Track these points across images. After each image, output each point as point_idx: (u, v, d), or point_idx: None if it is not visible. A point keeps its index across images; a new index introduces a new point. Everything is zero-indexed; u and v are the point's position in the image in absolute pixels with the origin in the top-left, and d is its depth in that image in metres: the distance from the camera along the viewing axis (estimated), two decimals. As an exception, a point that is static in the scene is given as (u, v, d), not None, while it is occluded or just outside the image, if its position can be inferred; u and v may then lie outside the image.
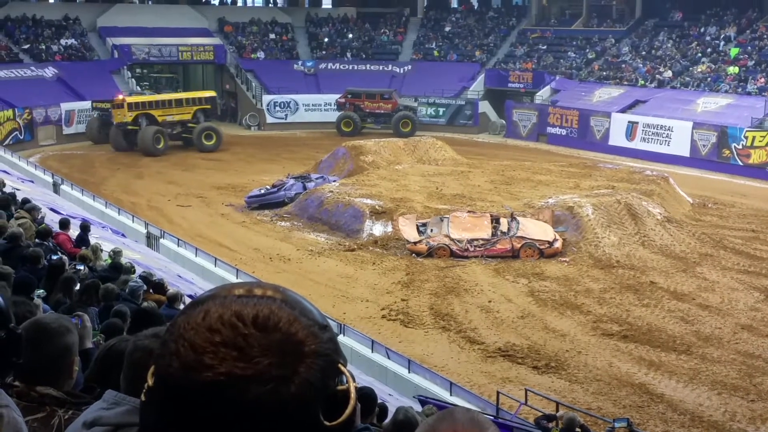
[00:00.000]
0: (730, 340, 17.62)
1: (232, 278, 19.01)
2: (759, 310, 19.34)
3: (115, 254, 12.09)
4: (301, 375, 1.15)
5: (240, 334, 1.14)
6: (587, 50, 50.42)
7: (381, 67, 52.35)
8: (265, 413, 1.12)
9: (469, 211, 24.96)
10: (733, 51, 43.99)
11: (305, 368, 1.15)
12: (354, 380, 1.23)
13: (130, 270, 11.37)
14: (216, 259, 21.16)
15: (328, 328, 1.23)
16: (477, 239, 23.58)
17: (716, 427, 13.91)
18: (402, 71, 52.16)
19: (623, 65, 47.41)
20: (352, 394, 1.21)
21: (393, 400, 13.02)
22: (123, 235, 20.98)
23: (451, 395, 14.29)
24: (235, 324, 1.15)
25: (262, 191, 30.01)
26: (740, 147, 36.80)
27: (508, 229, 23.87)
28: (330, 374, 1.19)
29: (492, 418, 12.71)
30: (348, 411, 1.20)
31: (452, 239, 23.63)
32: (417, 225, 24.51)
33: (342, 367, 1.22)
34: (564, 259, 23.13)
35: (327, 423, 1.17)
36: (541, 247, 23.34)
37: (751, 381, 15.57)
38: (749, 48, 43.85)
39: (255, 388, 1.12)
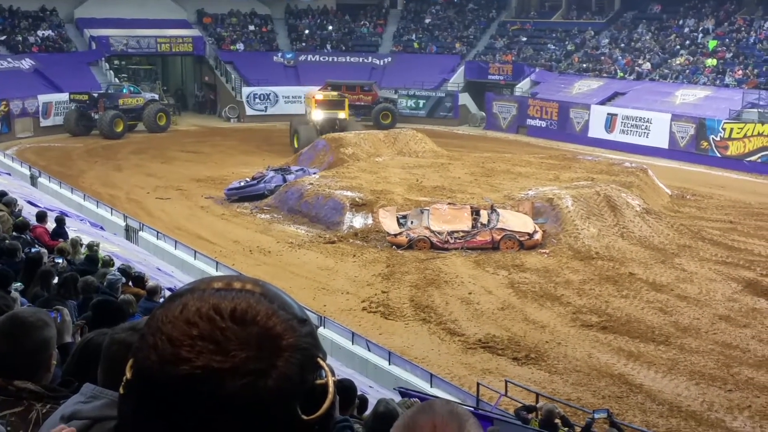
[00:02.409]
0: (708, 330, 17.77)
1: (212, 271, 18.95)
2: (736, 300, 19.51)
3: (94, 247, 11.99)
4: (279, 369, 1.15)
5: (217, 327, 1.14)
6: (567, 42, 50.57)
7: (361, 59, 52.27)
8: (242, 406, 1.12)
9: (449, 203, 24.99)
10: (711, 43, 44.29)
11: (283, 362, 1.15)
12: (333, 374, 1.23)
13: (109, 263, 11.29)
14: (196, 251, 21.06)
15: (307, 322, 1.23)
16: (457, 231, 23.63)
17: (694, 417, 14.03)
18: (382, 63, 52.10)
19: (602, 57, 47.61)
20: (331, 388, 1.21)
21: (373, 392, 13.03)
22: (102, 228, 20.83)
23: (431, 387, 14.32)
24: (213, 317, 1.15)
25: (242, 183, 29.91)
26: (718, 139, 37.09)
27: (488, 221, 23.93)
28: (308, 368, 1.19)
29: (472, 409, 12.76)
30: (326, 405, 1.20)
31: (432, 231, 23.66)
32: (397, 217, 24.52)
33: (321, 361, 1.22)
34: (544, 250, 23.22)
35: (305, 417, 1.17)
36: (521, 238, 23.42)
37: (728, 371, 15.71)
38: (727, 40, 44.16)
39: (232, 382, 1.12)
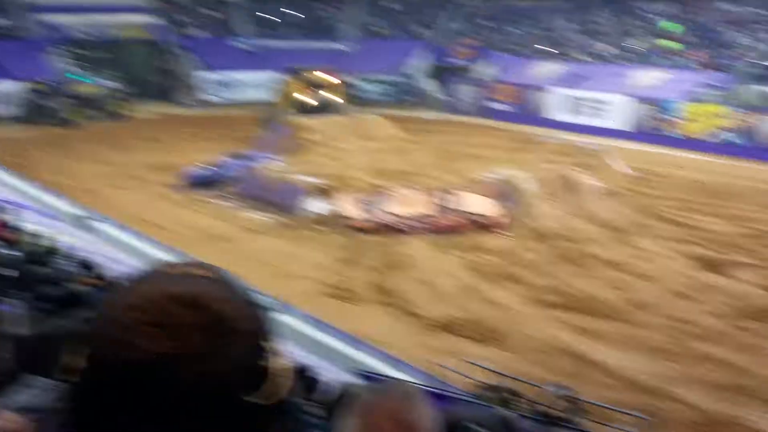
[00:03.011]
0: (663, 306, 18.10)
1: (171, 259, 18.77)
2: (690, 276, 19.88)
3: (47, 238, 11.87)
4: (231, 354, 1.16)
5: (169, 313, 1.16)
6: (528, 26, 50.78)
7: (322, 44, 52.00)
8: (194, 391, 1.14)
9: (411, 188, 25.05)
10: (670, 26, 44.77)
11: (235, 347, 1.17)
12: (285, 358, 1.25)
13: (64, 253, 11.18)
14: (154, 240, 20.90)
15: (259, 307, 1.25)
16: (419, 215, 23.71)
17: (649, 390, 14.29)
18: (344, 48, 51.89)
19: (563, 40, 47.90)
20: (282, 372, 1.23)
21: (334, 376, 13.10)
22: (57, 218, 20.58)
23: (392, 370, 14.40)
24: (165, 303, 1.17)
25: (202, 171, 29.67)
26: (676, 120, 37.57)
27: (450, 204, 24.05)
28: (259, 353, 1.21)
29: (432, 390, 12.88)
30: (279, 389, 1.22)
31: (394, 215, 23.72)
32: (359, 202, 24.53)
33: (273, 346, 1.24)
34: (505, 232, 23.41)
35: (258, 401, 1.19)
36: (483, 221, 23.58)
37: (682, 345, 16.03)
38: (686, 23, 44.64)
39: (185, 367, 1.13)
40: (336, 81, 35.72)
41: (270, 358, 1.22)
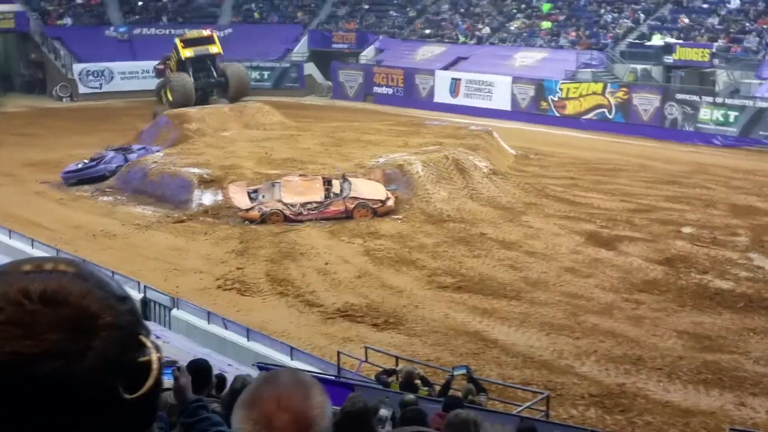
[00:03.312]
0: (555, 283, 18.50)
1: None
2: (580, 252, 20.40)
3: None
4: (96, 349, 1.12)
5: (26, 311, 1.11)
6: (408, 9, 51.05)
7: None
8: (59, 390, 1.09)
9: (300, 175, 24.73)
10: (546, 6, 45.85)
11: (100, 342, 1.12)
12: (159, 351, 1.20)
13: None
14: (33, 239, 19.93)
15: (127, 300, 1.20)
16: (310, 202, 23.44)
17: (546, 365, 14.57)
18: (223, 35, 50.68)
19: (444, 23, 48.37)
20: (155, 365, 1.18)
21: (233, 370, 12.76)
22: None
23: (291, 360, 14.18)
24: (21, 301, 1.11)
25: (80, 166, 28.44)
26: (556, 99, 38.56)
27: (341, 191, 23.86)
28: (129, 346, 1.16)
29: (333, 377, 12.70)
30: (150, 382, 1.17)
31: (285, 204, 23.37)
32: (248, 192, 24.03)
33: (143, 339, 1.19)
34: (397, 216, 23.41)
35: (128, 396, 1.14)
36: (374, 206, 23.50)
37: (575, 320, 16.42)
38: (560, 3, 45.81)
39: (45, 365, 1.09)
40: (207, 32, 36.69)
41: (140, 351, 1.18)
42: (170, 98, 34.59)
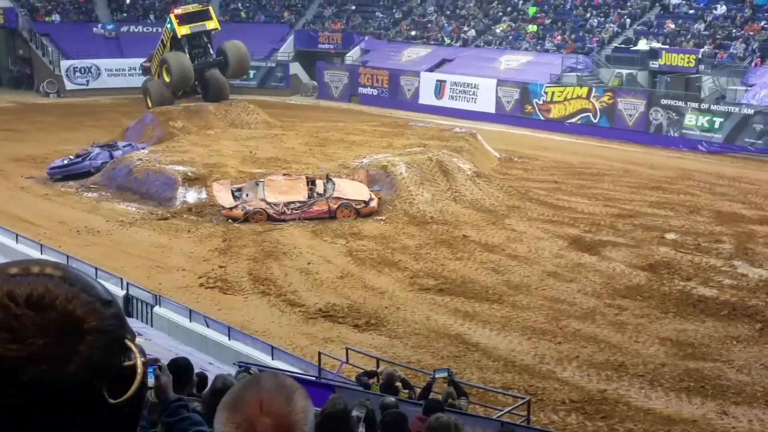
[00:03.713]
0: (538, 287, 18.56)
1: (37, 254, 17.93)
2: (562, 257, 20.48)
3: None
4: (82, 353, 1.13)
5: (12, 314, 1.11)
6: (394, 10, 51.12)
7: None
8: (45, 393, 1.10)
9: (284, 174, 24.75)
10: (531, 10, 46.02)
11: (86, 346, 1.13)
12: (143, 355, 1.22)
13: None
14: (17, 235, 19.87)
15: (112, 304, 1.20)
16: (293, 202, 23.47)
17: (527, 370, 14.63)
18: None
19: (430, 25, 48.47)
20: (140, 369, 1.19)
21: (214, 368, 12.76)
22: None
23: (272, 359, 14.20)
24: (7, 304, 1.12)
25: (65, 161, 28.39)
26: (541, 102, 38.72)
27: (324, 191, 23.91)
28: (114, 350, 1.17)
29: (314, 378, 12.74)
30: (134, 387, 1.18)
31: (268, 203, 23.39)
32: (232, 190, 24.04)
33: (128, 343, 1.20)
34: (380, 217, 23.47)
35: (113, 400, 1.16)
36: (357, 207, 23.56)
37: (557, 324, 16.48)
38: (546, 7, 46.00)
39: (31, 370, 1.09)
40: (203, 6, 34.84)
41: (125, 355, 1.19)
42: (167, 79, 32.84)
